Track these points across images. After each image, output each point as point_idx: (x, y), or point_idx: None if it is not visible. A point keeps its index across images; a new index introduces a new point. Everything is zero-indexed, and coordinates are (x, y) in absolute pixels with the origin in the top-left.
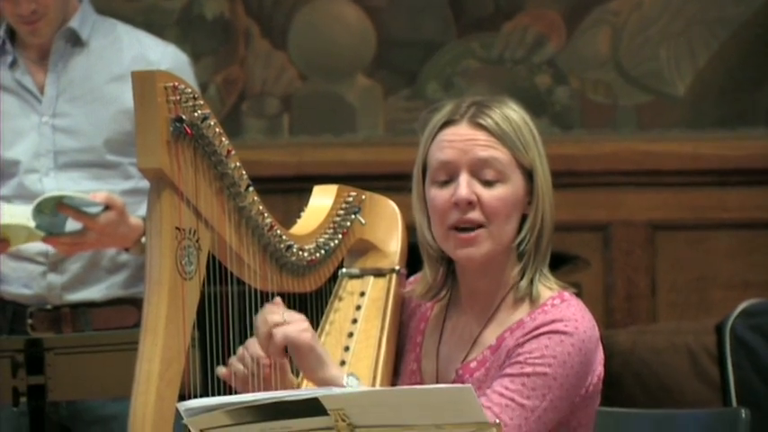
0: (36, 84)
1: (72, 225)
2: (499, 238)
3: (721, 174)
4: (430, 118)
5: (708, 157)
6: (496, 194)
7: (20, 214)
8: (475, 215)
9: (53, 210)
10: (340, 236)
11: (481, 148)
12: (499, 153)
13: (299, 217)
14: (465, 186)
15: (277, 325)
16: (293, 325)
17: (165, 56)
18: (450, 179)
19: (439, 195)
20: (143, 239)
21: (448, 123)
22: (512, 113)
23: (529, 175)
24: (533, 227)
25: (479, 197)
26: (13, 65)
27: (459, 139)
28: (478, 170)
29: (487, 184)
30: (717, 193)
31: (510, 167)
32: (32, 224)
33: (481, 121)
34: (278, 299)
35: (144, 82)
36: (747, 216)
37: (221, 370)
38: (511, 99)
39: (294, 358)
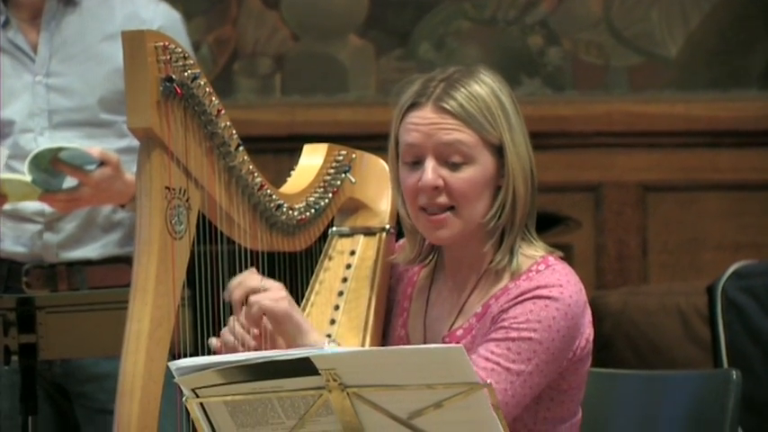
0: (29, 43)
1: (68, 184)
2: (469, 219)
3: (713, 135)
4: (403, 91)
5: (699, 119)
6: (463, 177)
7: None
8: (442, 200)
9: (49, 166)
10: (330, 195)
11: (445, 132)
12: (464, 135)
13: (289, 176)
14: (430, 172)
15: (254, 291)
16: (269, 293)
17: (157, 14)
18: (417, 161)
19: (408, 178)
20: None
21: (414, 106)
22: (479, 90)
23: (499, 151)
24: (504, 202)
25: (446, 181)
26: (5, 25)
27: (424, 123)
28: (444, 154)
29: (454, 166)
30: (708, 155)
31: (477, 149)
32: (28, 178)
33: (445, 105)
34: (252, 269)
35: (134, 42)
36: (739, 177)
37: (213, 342)
38: (483, 68)
39: (272, 327)
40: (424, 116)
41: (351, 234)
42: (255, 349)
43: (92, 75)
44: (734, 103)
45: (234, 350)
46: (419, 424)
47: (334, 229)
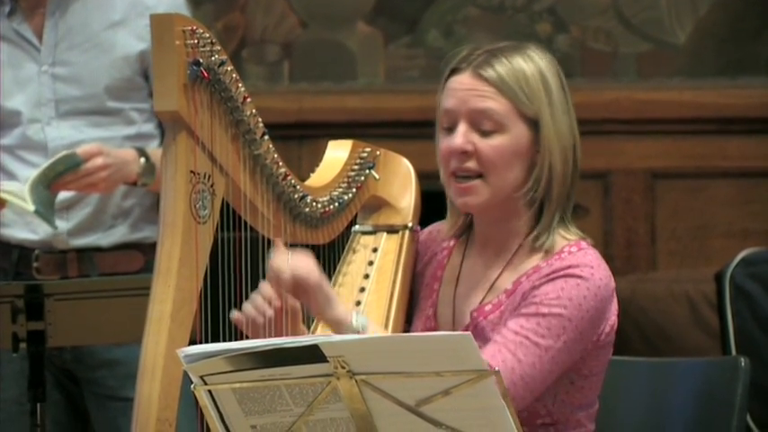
0: (34, 32)
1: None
2: (498, 188)
3: (721, 122)
4: (450, 59)
5: (708, 106)
6: (493, 144)
7: (18, 192)
8: (471, 164)
9: (46, 192)
10: (354, 190)
11: (479, 98)
12: (496, 104)
13: (299, 164)
14: (460, 136)
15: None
16: (302, 263)
17: (161, 0)
18: (451, 127)
19: (441, 143)
20: (142, 160)
21: (455, 71)
22: (523, 63)
23: (536, 125)
24: (539, 177)
25: (476, 147)
26: (11, 14)
27: (461, 88)
28: (476, 120)
29: (485, 134)
30: (717, 142)
31: (510, 118)
32: (32, 208)
33: (482, 72)
34: (279, 241)
35: (162, 25)
36: (747, 165)
37: (235, 314)
38: (536, 47)
39: (303, 298)
40: (462, 81)
41: (374, 232)
42: (278, 323)
43: (97, 63)
44: (742, 91)
45: (254, 321)
46: (427, 411)
47: (357, 227)
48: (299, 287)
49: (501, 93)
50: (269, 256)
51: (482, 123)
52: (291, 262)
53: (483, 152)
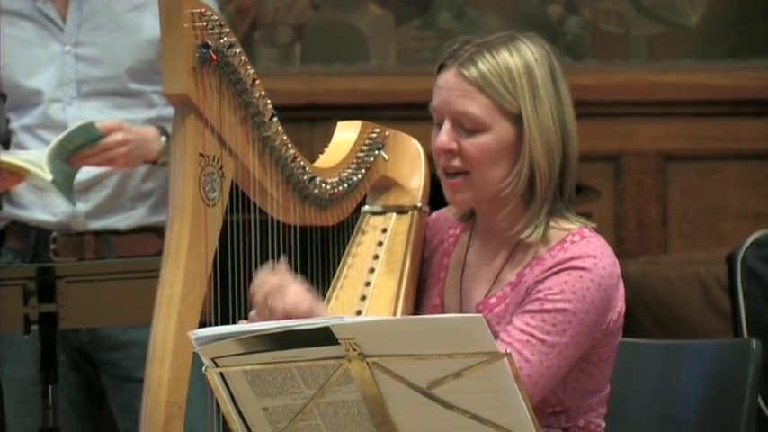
0: (58, 12)
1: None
2: (482, 185)
3: (733, 104)
4: (444, 50)
5: (719, 88)
6: (476, 143)
7: (36, 161)
8: (456, 163)
9: (66, 165)
10: (363, 171)
11: (458, 100)
12: (475, 105)
13: (310, 146)
14: (444, 135)
15: (273, 292)
16: (290, 297)
17: None
18: (440, 123)
19: (433, 138)
20: (163, 139)
21: (442, 67)
22: (507, 58)
23: (519, 120)
24: (519, 172)
25: (460, 146)
26: None
27: (445, 87)
28: (458, 120)
29: (468, 132)
30: (728, 124)
31: (492, 116)
32: (49, 177)
33: (464, 71)
34: (283, 262)
35: (170, 7)
36: (759, 147)
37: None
38: (524, 37)
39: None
40: (447, 80)
41: (383, 212)
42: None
43: (120, 44)
44: (754, 72)
45: None
46: (439, 393)
47: (367, 207)
48: (290, 316)
49: (482, 92)
50: (258, 276)
51: (464, 123)
52: (280, 297)
53: (467, 151)
